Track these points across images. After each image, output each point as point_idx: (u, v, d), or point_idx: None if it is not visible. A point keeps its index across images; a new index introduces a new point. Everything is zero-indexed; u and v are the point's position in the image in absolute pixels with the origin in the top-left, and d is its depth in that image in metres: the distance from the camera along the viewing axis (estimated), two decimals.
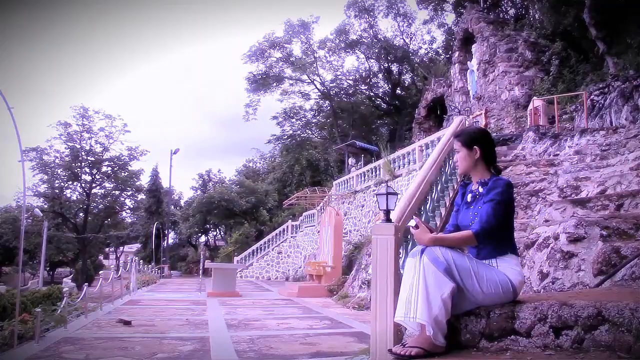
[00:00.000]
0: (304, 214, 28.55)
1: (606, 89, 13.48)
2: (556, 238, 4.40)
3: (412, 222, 3.11)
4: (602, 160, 8.80)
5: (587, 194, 6.70)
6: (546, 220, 5.71)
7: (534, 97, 16.36)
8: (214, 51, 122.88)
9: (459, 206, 3.17)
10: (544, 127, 13.98)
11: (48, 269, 38.66)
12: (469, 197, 3.07)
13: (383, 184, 4.73)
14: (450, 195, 7.84)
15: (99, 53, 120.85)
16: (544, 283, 4.33)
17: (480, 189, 2.99)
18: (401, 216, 4.61)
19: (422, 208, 6.04)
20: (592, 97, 13.76)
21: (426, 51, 38.51)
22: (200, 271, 19.92)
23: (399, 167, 16.58)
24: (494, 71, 21.06)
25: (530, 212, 7.26)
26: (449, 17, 33.09)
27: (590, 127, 12.39)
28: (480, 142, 3.06)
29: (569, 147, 11.09)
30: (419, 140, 20.07)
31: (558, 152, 11.23)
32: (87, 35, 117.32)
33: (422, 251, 2.78)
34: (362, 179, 20.46)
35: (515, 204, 3.12)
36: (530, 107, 15.65)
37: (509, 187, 2.91)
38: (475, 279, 2.74)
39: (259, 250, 30.00)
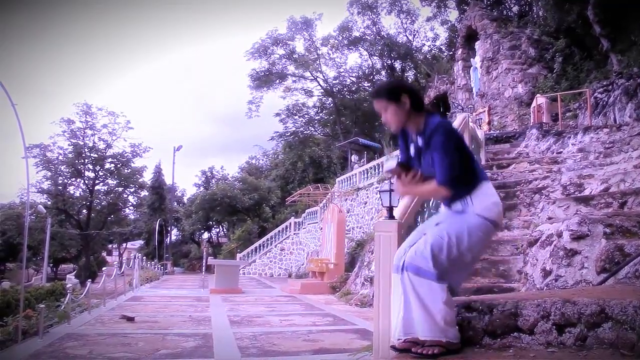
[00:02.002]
0: (307, 211, 28.58)
1: (610, 87, 13.44)
2: (559, 235, 4.40)
3: (392, 163, 2.93)
4: (606, 158, 8.78)
5: (591, 192, 6.69)
6: (549, 218, 5.70)
7: (537, 95, 16.33)
8: (215, 50, 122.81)
9: (404, 151, 3.01)
10: (547, 124, 13.97)
11: (51, 265, 38.71)
12: (412, 150, 2.91)
13: (386, 181, 4.73)
14: None
15: (99, 53, 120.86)
16: (547, 280, 4.33)
17: (420, 142, 2.82)
18: (404, 213, 4.60)
19: (426, 205, 6.03)
20: (595, 94, 13.72)
21: (429, 48, 38.46)
22: (203, 268, 19.98)
23: None
24: (497, 68, 21.01)
25: (534, 210, 7.25)
26: (452, 14, 33.09)
27: (593, 124, 12.36)
28: (406, 89, 2.85)
29: (572, 144, 11.06)
30: None
31: (561, 150, 11.21)
32: (88, 35, 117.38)
33: (403, 266, 2.71)
34: (365, 176, 20.45)
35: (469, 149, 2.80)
36: (534, 104, 15.63)
37: (446, 125, 2.73)
38: (455, 247, 2.68)
39: (261, 247, 30.03)
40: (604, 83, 13.90)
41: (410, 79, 39.38)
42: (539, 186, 8.16)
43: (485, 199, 2.77)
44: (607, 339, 2.34)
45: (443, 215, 2.92)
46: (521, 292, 4.83)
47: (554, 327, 2.55)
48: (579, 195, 6.72)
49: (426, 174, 2.78)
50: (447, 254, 2.67)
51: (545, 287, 4.27)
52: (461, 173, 2.70)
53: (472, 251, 2.75)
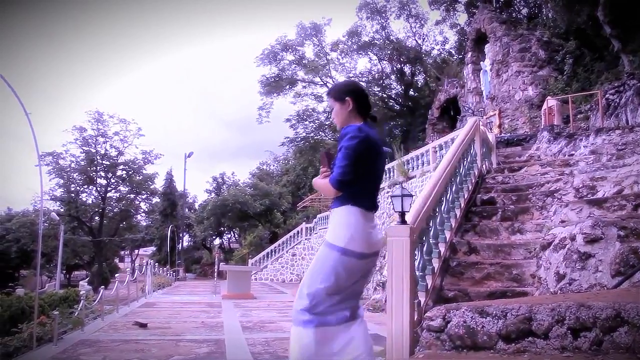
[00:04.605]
0: (318, 216, 28.56)
1: (621, 88, 13.34)
2: (573, 239, 4.36)
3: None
4: (619, 160, 8.71)
5: (604, 194, 6.64)
6: (562, 221, 5.67)
7: (548, 97, 16.23)
8: (226, 54, 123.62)
9: None
10: (559, 126, 13.87)
11: (64, 272, 38.99)
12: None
13: (398, 186, 4.73)
14: (466, 197, 7.81)
15: (109, 58, 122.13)
16: (561, 284, 4.30)
17: None
18: (416, 218, 4.60)
19: (437, 209, 6.02)
20: (607, 95, 13.63)
21: (439, 52, 38.36)
22: (215, 274, 20.01)
23: (413, 168, 16.53)
24: (507, 71, 20.94)
25: (546, 213, 7.20)
26: (461, 18, 33.01)
27: (605, 126, 12.27)
28: (352, 92, 2.95)
29: (584, 146, 10.98)
30: (432, 141, 20.00)
31: (573, 152, 11.13)
32: (98, 40, 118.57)
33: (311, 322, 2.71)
34: None
35: (371, 153, 2.82)
36: (545, 106, 15.53)
37: (359, 131, 2.75)
38: (320, 288, 2.69)
39: (273, 253, 30.08)
40: (616, 84, 13.80)
41: (420, 83, 39.33)
42: (551, 189, 8.10)
43: (339, 219, 2.78)
44: (624, 343, 2.31)
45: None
46: (535, 296, 4.80)
47: (569, 331, 2.54)
48: (591, 197, 6.67)
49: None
50: (312, 294, 2.69)
51: (559, 291, 4.24)
52: (352, 182, 2.72)
53: (338, 286, 2.70)
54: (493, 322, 2.80)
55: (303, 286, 2.74)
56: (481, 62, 23.64)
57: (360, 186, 2.78)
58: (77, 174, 35.14)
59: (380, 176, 3.00)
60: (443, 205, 6.45)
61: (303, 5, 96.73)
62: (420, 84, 39.43)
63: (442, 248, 5.97)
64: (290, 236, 30.11)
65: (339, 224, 2.75)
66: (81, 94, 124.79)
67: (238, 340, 7.46)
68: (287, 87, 38.81)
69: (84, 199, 36.50)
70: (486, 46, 23.07)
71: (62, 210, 34.90)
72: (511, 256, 6.30)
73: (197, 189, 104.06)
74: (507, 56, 21.02)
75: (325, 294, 2.66)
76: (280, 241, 30.69)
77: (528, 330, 2.69)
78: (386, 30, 37.44)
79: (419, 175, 15.49)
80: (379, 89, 39.84)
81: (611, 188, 6.75)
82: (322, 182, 2.84)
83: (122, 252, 54.62)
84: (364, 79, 39.51)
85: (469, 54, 25.18)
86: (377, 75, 39.38)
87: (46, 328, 7.79)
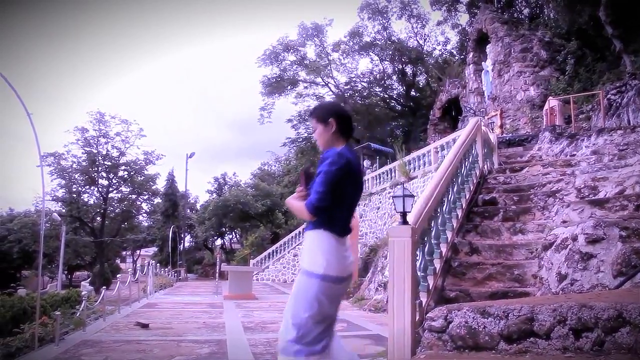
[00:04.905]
0: None
1: (623, 88, 13.33)
2: (574, 239, 4.36)
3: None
4: (620, 160, 8.70)
5: (606, 195, 6.63)
6: (564, 221, 5.66)
7: (550, 97, 16.22)
8: (226, 54, 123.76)
9: None
10: (560, 127, 13.86)
11: (66, 272, 39.04)
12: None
13: (399, 186, 4.73)
14: (467, 197, 7.80)
15: (107, 59, 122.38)
16: (563, 285, 4.29)
17: None
18: (418, 218, 4.59)
19: (439, 210, 6.02)
20: (608, 96, 13.62)
21: (440, 52, 38.40)
22: (217, 274, 20.01)
23: (415, 168, 16.53)
24: (509, 71, 20.93)
25: (548, 213, 7.20)
26: (463, 18, 33.03)
27: (607, 126, 12.26)
28: (335, 114, 2.97)
29: (586, 147, 10.97)
30: (433, 141, 20.00)
31: (575, 152, 11.12)
32: (94, 39, 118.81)
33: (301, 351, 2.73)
34: (378, 181, 20.43)
35: (352, 178, 2.84)
36: (546, 107, 15.52)
37: (339, 157, 2.77)
38: (305, 316, 2.72)
39: (274, 253, 30.08)
40: (617, 84, 13.79)
41: (421, 84, 39.33)
42: (552, 189, 8.10)
43: (314, 244, 2.81)
44: (625, 344, 2.31)
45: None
46: (537, 296, 4.80)
47: (571, 331, 2.53)
48: (593, 198, 6.66)
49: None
50: (298, 324, 2.71)
51: (561, 292, 4.24)
52: (327, 208, 2.73)
53: (322, 313, 2.74)
54: (495, 323, 2.80)
55: (288, 316, 2.76)
56: (483, 63, 23.62)
57: (335, 212, 2.79)
58: (78, 174, 35.20)
59: (356, 201, 3.00)
60: (445, 206, 6.44)
61: (304, 6, 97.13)
62: (421, 84, 39.43)
63: (443, 248, 5.97)
64: (292, 236, 30.08)
65: (314, 251, 2.78)
66: (82, 94, 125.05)
67: (240, 340, 7.45)
68: (289, 87, 38.86)
69: (86, 200, 36.60)
70: (488, 46, 23.06)
71: (63, 210, 34.95)
72: (513, 256, 6.30)
73: (199, 190, 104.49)
74: (508, 56, 21.02)
75: (311, 323, 2.69)
76: (281, 241, 30.68)
77: (530, 330, 2.68)
78: (387, 31, 37.48)
79: (421, 176, 15.50)
80: (380, 89, 39.84)
81: (613, 188, 6.74)
82: (298, 205, 2.84)
83: (124, 253, 54.70)
84: (365, 80, 39.56)
85: (471, 54, 25.16)
86: (378, 75, 39.38)
87: (48, 328, 7.78)
